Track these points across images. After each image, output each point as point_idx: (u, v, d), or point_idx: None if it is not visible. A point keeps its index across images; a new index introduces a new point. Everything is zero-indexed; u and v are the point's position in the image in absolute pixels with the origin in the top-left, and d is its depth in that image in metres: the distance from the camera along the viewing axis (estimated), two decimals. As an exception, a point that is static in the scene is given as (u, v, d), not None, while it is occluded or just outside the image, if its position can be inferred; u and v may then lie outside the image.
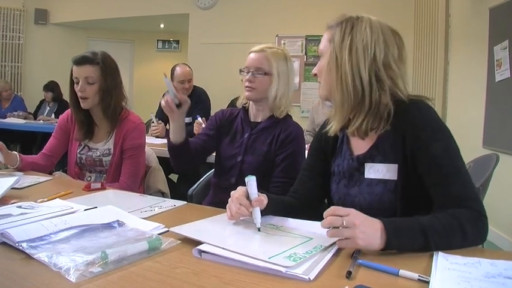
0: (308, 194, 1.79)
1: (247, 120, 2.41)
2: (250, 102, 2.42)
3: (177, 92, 2.14)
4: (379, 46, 1.51)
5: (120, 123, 2.57)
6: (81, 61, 2.47)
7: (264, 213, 1.50)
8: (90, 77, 2.46)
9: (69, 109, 2.67)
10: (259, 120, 2.38)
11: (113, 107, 2.54)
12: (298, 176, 1.88)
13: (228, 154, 2.37)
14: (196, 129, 4.52)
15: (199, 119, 4.49)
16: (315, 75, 1.65)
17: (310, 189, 1.79)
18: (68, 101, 2.64)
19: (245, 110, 2.45)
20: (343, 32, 1.53)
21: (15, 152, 2.44)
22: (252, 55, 2.34)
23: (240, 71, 2.37)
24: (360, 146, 1.64)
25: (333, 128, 1.63)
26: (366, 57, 1.50)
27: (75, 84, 2.49)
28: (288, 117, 2.38)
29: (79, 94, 2.47)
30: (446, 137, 1.47)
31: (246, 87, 2.33)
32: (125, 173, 2.52)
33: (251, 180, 1.50)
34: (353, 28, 1.52)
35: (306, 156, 1.91)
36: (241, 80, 2.37)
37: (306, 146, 3.74)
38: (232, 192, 1.54)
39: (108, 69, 2.51)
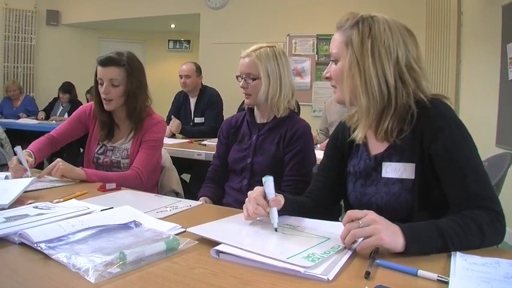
0: (324, 194, 1.79)
1: (253, 123, 2.41)
2: None
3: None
4: (401, 47, 1.49)
5: (142, 123, 2.57)
6: (106, 62, 2.44)
7: (280, 213, 1.50)
8: (115, 79, 2.44)
9: (91, 103, 2.67)
10: (265, 121, 2.37)
11: (138, 109, 2.53)
12: (314, 177, 1.88)
13: (237, 157, 2.37)
14: (169, 125, 4.58)
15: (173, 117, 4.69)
16: (327, 78, 1.62)
17: (326, 190, 1.79)
18: (93, 98, 2.61)
19: (251, 111, 2.45)
20: (362, 34, 1.49)
21: (30, 157, 2.40)
22: (241, 60, 2.34)
23: (237, 77, 2.37)
24: (377, 145, 1.63)
25: (359, 135, 1.59)
26: (389, 60, 1.48)
27: (99, 85, 2.48)
28: (293, 114, 2.37)
29: (103, 96, 2.46)
30: (464, 136, 1.46)
31: (244, 93, 2.34)
32: (137, 160, 2.49)
33: (268, 181, 1.50)
34: (371, 30, 1.49)
35: (322, 154, 1.90)
36: None
37: (319, 145, 3.78)
38: (249, 192, 1.55)
39: (134, 71, 2.49)
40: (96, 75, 2.50)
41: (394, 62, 1.49)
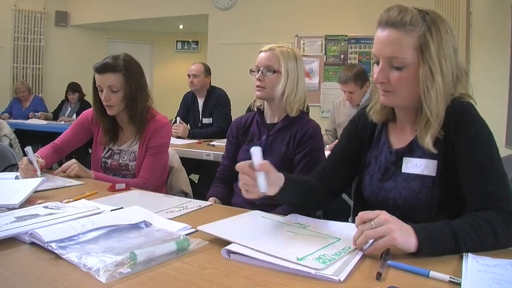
0: (332, 175, 1.76)
1: (263, 123, 2.41)
2: (265, 103, 2.41)
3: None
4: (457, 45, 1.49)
5: (147, 125, 2.55)
6: (102, 69, 2.42)
7: (283, 195, 1.52)
8: (114, 85, 2.42)
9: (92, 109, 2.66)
10: (275, 121, 2.37)
11: (139, 111, 2.51)
12: (328, 157, 1.86)
13: (246, 157, 2.35)
14: (174, 130, 4.57)
15: (178, 120, 4.67)
16: (382, 83, 1.51)
17: (336, 172, 1.77)
18: (92, 105, 2.61)
19: (260, 112, 2.44)
20: (437, 37, 1.43)
21: (39, 158, 2.39)
22: (261, 54, 2.33)
23: (251, 71, 2.36)
24: (399, 139, 1.62)
25: (429, 145, 1.47)
26: (455, 58, 1.47)
27: (99, 92, 2.47)
28: (303, 115, 2.36)
29: (105, 103, 2.45)
30: (488, 136, 1.45)
31: (257, 86, 2.33)
32: (144, 168, 2.49)
33: (255, 150, 1.45)
34: (440, 30, 1.44)
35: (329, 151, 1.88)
36: None
37: (328, 146, 3.77)
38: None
39: (131, 75, 2.46)
40: (94, 82, 2.49)
41: (456, 58, 1.48)
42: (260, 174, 1.43)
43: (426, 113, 1.46)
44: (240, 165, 1.48)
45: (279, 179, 1.53)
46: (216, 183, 2.44)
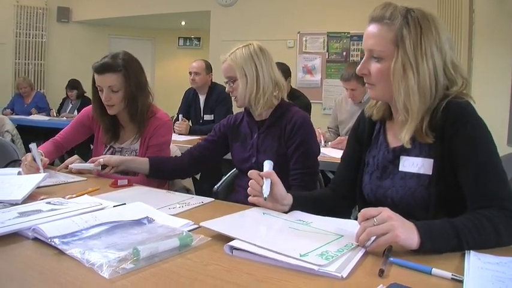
0: (344, 184, 1.81)
1: (253, 121, 2.40)
2: None
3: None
4: (446, 44, 1.48)
5: (148, 122, 2.53)
6: (102, 69, 2.38)
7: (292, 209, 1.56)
8: (114, 85, 2.39)
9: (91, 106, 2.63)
10: (264, 118, 2.37)
11: (140, 109, 2.49)
12: (338, 166, 1.90)
13: (242, 157, 2.39)
14: (177, 128, 4.57)
15: (180, 117, 4.71)
16: (364, 74, 1.56)
17: (346, 180, 1.80)
18: (92, 104, 2.58)
19: (248, 111, 2.43)
20: (415, 33, 1.45)
21: (43, 157, 2.35)
22: (222, 67, 2.35)
23: (225, 83, 2.38)
24: (396, 138, 1.62)
25: (406, 138, 1.50)
26: (441, 59, 1.47)
27: (99, 92, 2.44)
28: (290, 107, 2.35)
29: (105, 103, 2.43)
30: (485, 134, 1.44)
31: (232, 97, 2.36)
32: None
33: (267, 163, 1.69)
34: (422, 28, 1.45)
35: (333, 152, 1.90)
36: None
37: (330, 143, 3.78)
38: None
39: (131, 74, 2.43)
40: (93, 81, 2.46)
41: (444, 60, 1.47)
42: (266, 181, 1.60)
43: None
44: (251, 172, 1.66)
45: (288, 198, 1.64)
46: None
